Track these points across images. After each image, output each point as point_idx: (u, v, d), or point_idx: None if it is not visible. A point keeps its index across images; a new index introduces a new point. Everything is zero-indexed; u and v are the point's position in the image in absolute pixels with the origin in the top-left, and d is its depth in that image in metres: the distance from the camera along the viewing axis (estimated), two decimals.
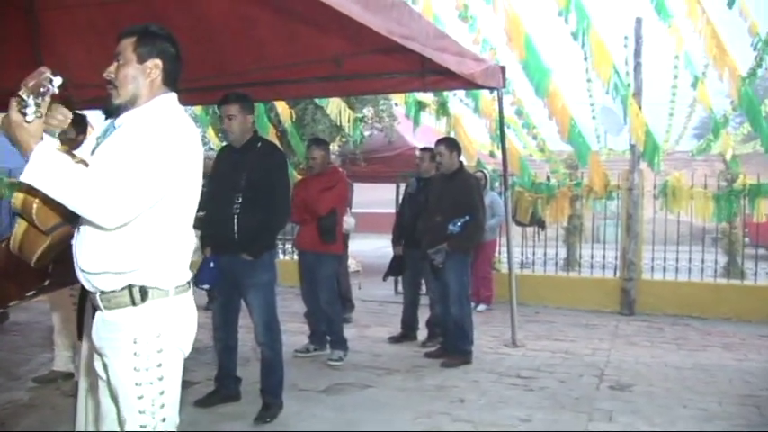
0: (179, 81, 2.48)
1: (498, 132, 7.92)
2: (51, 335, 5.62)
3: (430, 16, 8.37)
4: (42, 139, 2.06)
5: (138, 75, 2.35)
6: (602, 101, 11.29)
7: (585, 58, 8.48)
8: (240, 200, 4.63)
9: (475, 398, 5.32)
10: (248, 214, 4.61)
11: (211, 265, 4.77)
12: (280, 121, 11.11)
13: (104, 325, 2.33)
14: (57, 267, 2.54)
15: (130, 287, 2.26)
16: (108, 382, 2.38)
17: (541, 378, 5.90)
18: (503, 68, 6.85)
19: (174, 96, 2.43)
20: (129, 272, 2.25)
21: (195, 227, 2.47)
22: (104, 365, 2.38)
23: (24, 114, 1.99)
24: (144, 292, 2.27)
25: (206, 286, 4.93)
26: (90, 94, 6.05)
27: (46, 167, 2.03)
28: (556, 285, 9.97)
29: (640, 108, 8.90)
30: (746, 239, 12.12)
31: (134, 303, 2.27)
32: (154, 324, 2.29)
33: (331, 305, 6.39)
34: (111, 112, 2.41)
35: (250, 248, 4.63)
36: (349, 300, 8.40)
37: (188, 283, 2.41)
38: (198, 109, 11.31)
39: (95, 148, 2.35)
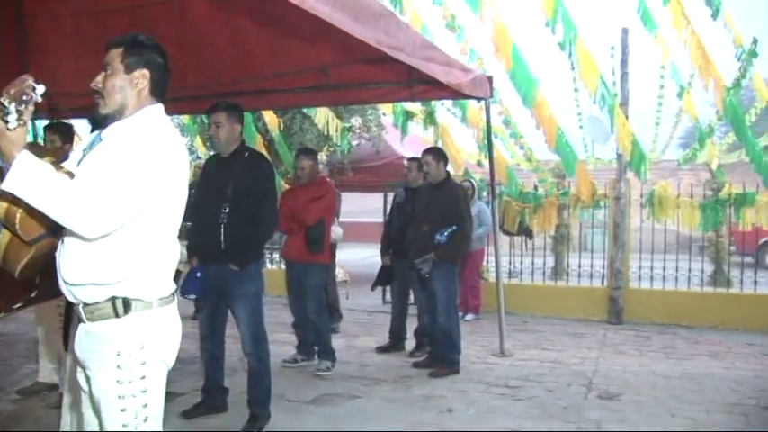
0: (167, 91, 2.47)
1: (486, 142, 7.93)
2: (37, 346, 5.57)
3: (418, 26, 8.38)
4: (25, 147, 2.05)
5: (126, 85, 2.35)
6: (589, 110, 11.33)
7: (572, 68, 8.51)
8: (227, 210, 4.62)
9: (463, 408, 5.31)
10: (235, 224, 4.59)
11: (198, 275, 4.75)
12: (267, 130, 11.10)
13: (87, 337, 2.32)
14: (44, 279, 2.52)
15: (113, 299, 2.24)
16: (90, 394, 2.36)
17: (530, 388, 5.90)
18: (490, 78, 6.87)
19: (160, 108, 2.42)
20: (112, 284, 2.23)
21: (182, 237, 2.45)
22: (87, 378, 2.36)
23: (6, 122, 1.97)
24: (127, 304, 2.25)
25: (192, 296, 4.91)
26: (77, 103, 6.05)
27: (27, 176, 2.01)
28: (544, 294, 9.97)
29: (627, 117, 8.94)
30: (732, 248, 12.19)
31: (117, 315, 2.25)
32: (137, 336, 2.27)
33: (319, 315, 6.37)
34: (98, 121, 2.40)
35: (237, 258, 4.62)
36: (337, 310, 8.38)
37: (172, 294, 2.39)
38: (186, 118, 11.28)
39: (81, 160, 2.34)
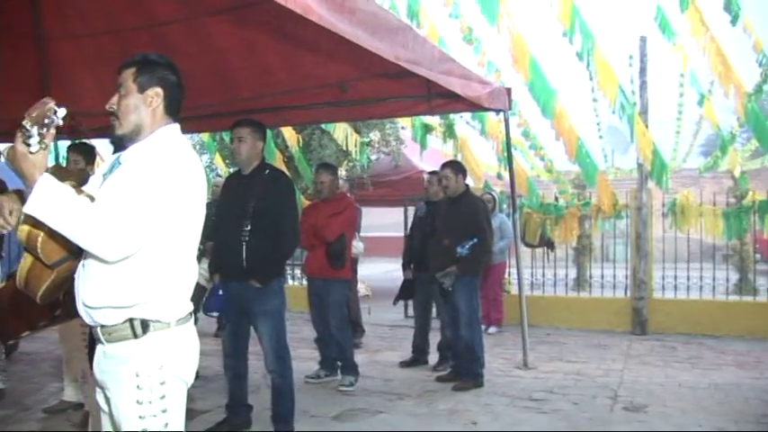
0: (182, 109, 2.48)
1: (505, 154, 7.92)
2: (61, 365, 5.60)
3: (435, 39, 8.39)
4: (49, 170, 2.06)
5: (140, 104, 2.36)
6: (608, 120, 11.30)
7: (591, 78, 8.50)
8: (248, 227, 4.63)
9: (488, 421, 5.26)
10: (257, 241, 4.60)
11: (220, 292, 4.76)
12: (287, 146, 11.15)
13: (106, 358, 2.32)
14: (67, 297, 2.53)
15: (131, 320, 2.24)
16: (110, 415, 2.35)
17: (554, 400, 5.85)
18: (508, 90, 6.85)
19: (176, 127, 2.43)
20: (131, 306, 2.23)
21: (207, 257, 2.45)
22: (106, 399, 2.36)
23: (28, 145, 1.97)
24: (145, 325, 2.25)
25: (215, 314, 4.91)
26: (99, 123, 6.09)
27: (49, 199, 2.02)
28: (566, 306, 9.90)
29: (647, 126, 8.90)
30: (758, 255, 12.06)
31: (135, 336, 2.25)
32: (156, 356, 2.27)
33: (341, 330, 6.36)
34: (116, 143, 2.41)
35: (259, 275, 4.63)
36: (359, 324, 8.37)
37: (189, 314, 2.39)
38: (205, 135, 11.37)
39: (102, 184, 2.35)
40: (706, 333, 8.89)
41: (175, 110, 2.44)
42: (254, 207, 4.66)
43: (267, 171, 4.85)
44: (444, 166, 6.61)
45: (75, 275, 2.31)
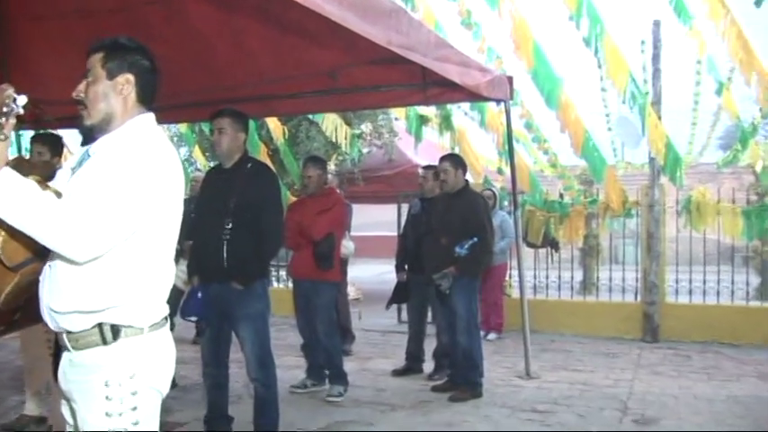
0: (157, 97, 2.46)
1: (506, 147, 7.92)
2: (22, 375, 5.54)
3: (431, 24, 8.39)
4: (9, 163, 2.04)
5: (109, 91, 2.33)
6: (618, 111, 11.29)
7: (599, 66, 8.49)
8: (230, 225, 4.62)
9: None
10: (238, 240, 4.60)
11: (199, 295, 4.75)
12: (272, 138, 11.13)
13: (72, 367, 2.29)
14: (28, 300, 2.50)
15: (101, 326, 2.22)
16: (76, 428, 2.33)
17: (559, 412, 5.86)
18: (510, 79, 6.86)
19: (150, 117, 2.41)
20: (101, 310, 2.21)
21: (184, 257, 2.43)
22: (72, 411, 2.34)
23: None
24: (116, 331, 2.23)
25: (194, 318, 4.90)
26: (66, 112, 6.05)
27: (9, 194, 2.00)
28: (572, 311, 9.92)
29: (660, 118, 8.90)
30: None
31: (105, 342, 2.23)
32: (127, 364, 2.24)
33: (329, 337, 6.36)
34: (85, 134, 2.38)
35: (241, 277, 4.62)
36: (349, 330, 8.36)
37: (164, 318, 2.37)
38: (183, 127, 11.35)
39: (70, 179, 2.33)
40: (724, 341, 8.91)
41: (149, 98, 2.42)
42: (236, 203, 4.65)
43: (250, 165, 4.84)
44: (443, 159, 6.61)
45: (41, 278, 2.29)
